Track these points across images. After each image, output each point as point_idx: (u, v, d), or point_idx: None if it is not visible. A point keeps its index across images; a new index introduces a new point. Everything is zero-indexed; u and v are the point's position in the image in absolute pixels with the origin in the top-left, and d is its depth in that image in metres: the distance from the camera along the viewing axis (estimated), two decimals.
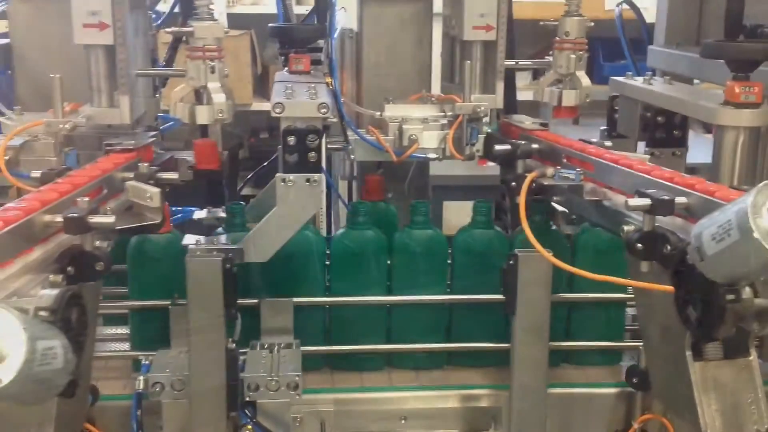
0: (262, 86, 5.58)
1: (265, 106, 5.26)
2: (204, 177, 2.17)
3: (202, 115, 2.08)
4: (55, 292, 1.35)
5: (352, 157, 2.34)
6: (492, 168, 2.45)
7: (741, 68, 2.05)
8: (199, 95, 2.09)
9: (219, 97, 2.07)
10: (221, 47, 2.07)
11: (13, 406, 1.56)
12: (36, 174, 1.85)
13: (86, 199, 1.63)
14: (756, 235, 1.28)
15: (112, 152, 2.00)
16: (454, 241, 2.33)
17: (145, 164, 2.00)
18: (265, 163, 2.94)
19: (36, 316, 1.33)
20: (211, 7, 2.10)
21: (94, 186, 1.79)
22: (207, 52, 2.06)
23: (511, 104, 2.56)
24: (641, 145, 2.53)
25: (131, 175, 1.94)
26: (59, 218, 1.57)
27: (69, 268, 1.58)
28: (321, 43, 2.47)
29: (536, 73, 5.14)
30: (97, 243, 1.65)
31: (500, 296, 2.17)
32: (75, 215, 1.57)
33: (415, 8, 2.54)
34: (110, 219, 1.62)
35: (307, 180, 1.99)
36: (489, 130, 2.35)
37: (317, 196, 2.03)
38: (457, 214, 2.43)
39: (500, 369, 2.31)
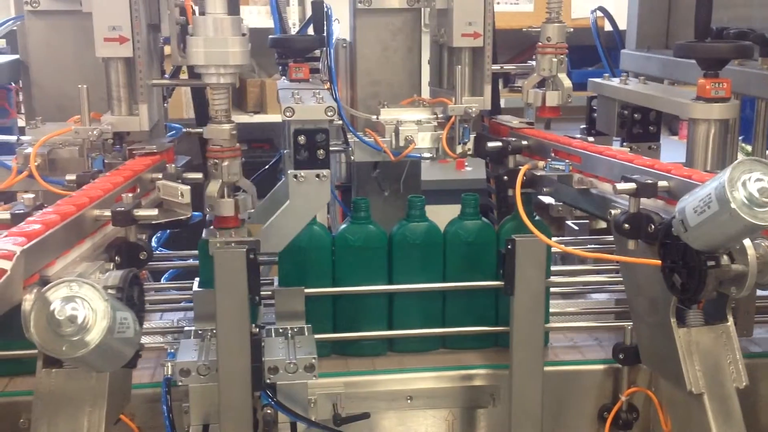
0: (239, 99, 5.69)
1: (243, 118, 5.37)
2: None
3: None
4: (120, 272, 1.50)
5: (352, 158, 2.51)
6: (471, 172, 2.60)
7: (711, 66, 2.20)
8: None
9: None
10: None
11: (70, 384, 1.71)
12: (71, 177, 1.99)
13: (130, 195, 1.78)
14: (733, 205, 1.46)
15: (138, 155, 2.15)
16: (445, 232, 2.45)
17: (172, 165, 2.15)
18: (261, 171, 3.07)
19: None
20: None
21: (129, 185, 1.93)
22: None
23: (496, 106, 2.70)
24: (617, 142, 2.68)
25: (160, 175, 2.08)
26: (107, 212, 1.72)
27: (116, 258, 1.73)
28: (317, 53, 2.61)
29: (506, 81, 5.31)
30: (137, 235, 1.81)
31: (492, 282, 2.32)
32: (122, 209, 1.73)
33: (404, 19, 2.68)
34: (153, 212, 1.77)
35: (317, 175, 2.15)
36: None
37: (326, 189, 2.18)
38: (439, 216, 2.57)
39: (496, 350, 2.47)
